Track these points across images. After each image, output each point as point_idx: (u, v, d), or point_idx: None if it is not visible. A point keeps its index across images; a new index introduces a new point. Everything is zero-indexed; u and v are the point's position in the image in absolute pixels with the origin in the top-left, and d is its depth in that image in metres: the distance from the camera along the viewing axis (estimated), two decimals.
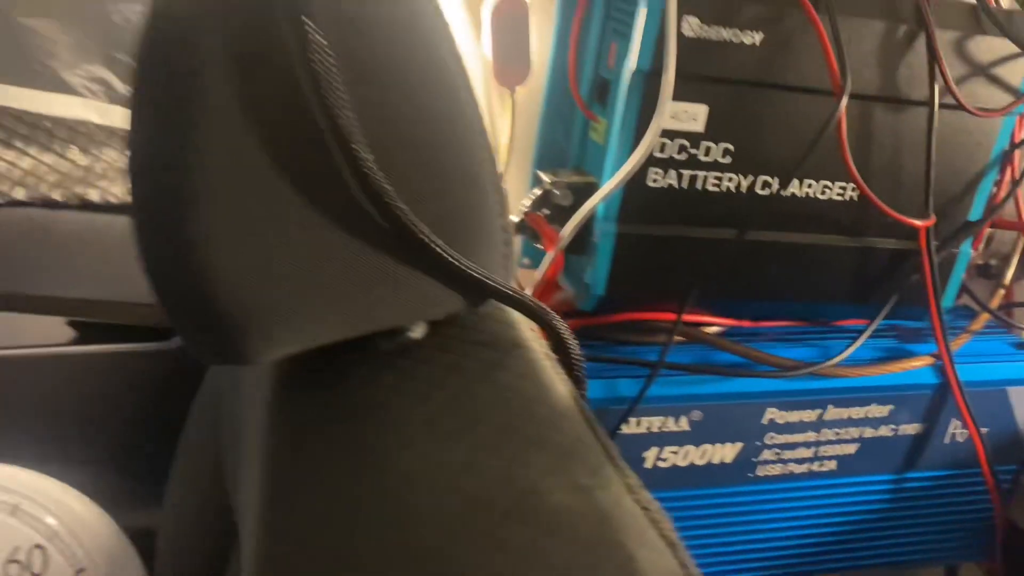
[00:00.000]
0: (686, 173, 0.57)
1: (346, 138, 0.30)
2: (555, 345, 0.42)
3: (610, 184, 0.55)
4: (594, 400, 0.58)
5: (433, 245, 0.34)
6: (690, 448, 0.62)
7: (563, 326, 0.41)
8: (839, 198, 0.60)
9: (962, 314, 0.73)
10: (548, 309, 0.41)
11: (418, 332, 0.41)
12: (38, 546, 0.75)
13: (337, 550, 0.30)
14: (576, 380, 0.43)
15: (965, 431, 0.67)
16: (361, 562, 0.29)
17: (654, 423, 0.60)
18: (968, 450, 0.67)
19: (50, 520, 0.76)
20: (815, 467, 0.66)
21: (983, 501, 0.70)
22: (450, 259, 0.35)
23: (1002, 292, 0.70)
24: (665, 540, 0.30)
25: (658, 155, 0.56)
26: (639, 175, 0.56)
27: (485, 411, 0.35)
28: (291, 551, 0.32)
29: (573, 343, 0.42)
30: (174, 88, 0.30)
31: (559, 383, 0.38)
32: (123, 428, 0.90)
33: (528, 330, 0.44)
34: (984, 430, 0.66)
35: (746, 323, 0.66)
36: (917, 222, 0.59)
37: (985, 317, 0.69)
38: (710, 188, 0.58)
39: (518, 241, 0.66)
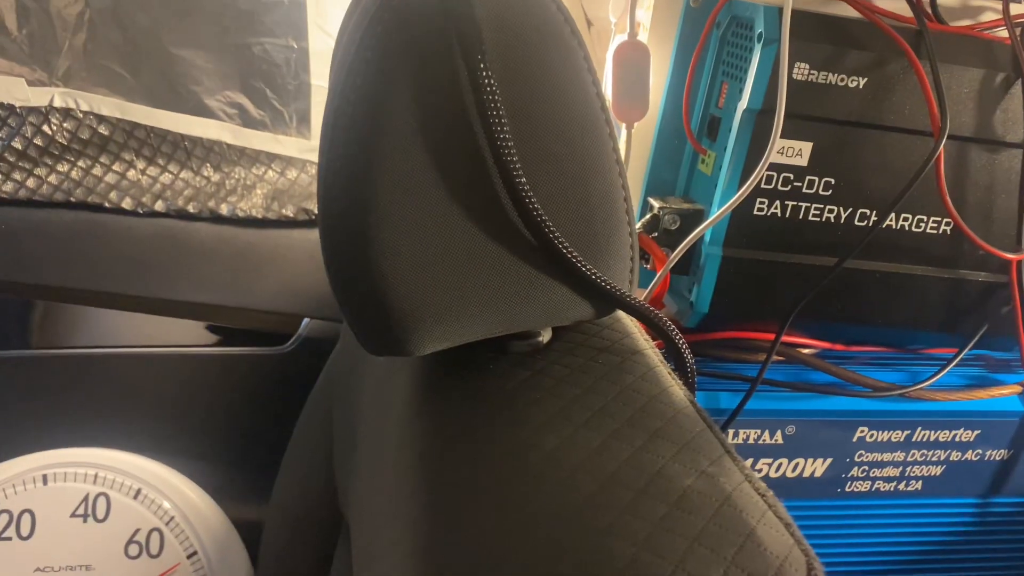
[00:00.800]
0: (789, 203, 0.62)
1: (506, 165, 0.35)
2: (671, 353, 0.46)
3: (721, 211, 0.60)
4: None
5: (572, 258, 0.39)
6: (783, 461, 0.66)
7: (680, 337, 0.46)
8: (933, 231, 0.64)
9: None
10: (668, 320, 0.46)
11: (545, 337, 0.46)
12: (155, 529, 0.80)
13: (492, 517, 0.34)
14: (689, 386, 0.47)
15: None
16: (514, 524, 0.33)
17: (751, 435, 0.64)
18: None
19: (167, 506, 0.81)
20: (901, 486, 0.69)
21: None
22: (586, 271, 0.39)
23: None
24: (782, 521, 0.33)
25: (764, 186, 0.61)
26: (746, 203, 0.61)
27: (612, 405, 0.39)
28: (451, 522, 0.35)
29: (688, 352, 0.47)
30: (366, 115, 0.35)
31: (676, 386, 0.42)
32: (238, 425, 0.95)
33: (643, 339, 0.48)
34: None
35: (839, 347, 0.69)
36: (1009, 255, 0.63)
37: None
38: (811, 218, 0.63)
39: None
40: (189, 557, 0.82)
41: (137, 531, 0.81)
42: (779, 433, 0.64)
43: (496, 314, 0.38)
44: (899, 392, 0.64)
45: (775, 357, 0.66)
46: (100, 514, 0.80)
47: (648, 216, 0.66)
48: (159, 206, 0.91)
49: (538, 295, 0.39)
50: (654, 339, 0.48)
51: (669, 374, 0.44)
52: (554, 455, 0.36)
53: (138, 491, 0.81)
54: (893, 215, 0.63)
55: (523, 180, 0.35)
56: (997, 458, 0.69)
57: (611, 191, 0.40)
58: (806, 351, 0.68)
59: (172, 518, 0.82)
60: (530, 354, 0.43)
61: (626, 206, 0.42)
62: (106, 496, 0.80)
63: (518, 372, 0.42)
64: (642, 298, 0.67)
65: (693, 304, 0.65)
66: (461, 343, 0.39)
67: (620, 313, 0.49)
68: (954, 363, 0.67)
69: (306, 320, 0.94)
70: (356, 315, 0.38)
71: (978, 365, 0.71)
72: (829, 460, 0.66)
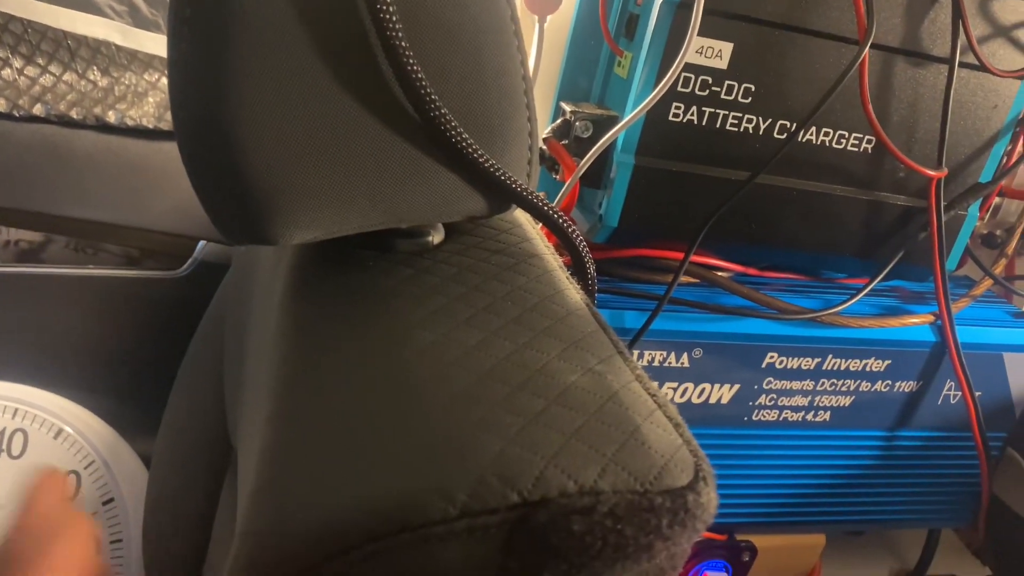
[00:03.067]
0: (707, 110, 0.58)
1: (386, 29, 0.31)
2: (569, 254, 0.43)
3: (636, 111, 0.55)
4: None
5: (460, 140, 0.35)
6: (689, 385, 0.63)
7: (578, 235, 0.42)
8: (854, 149, 0.61)
9: (963, 283, 0.74)
10: (566, 217, 0.42)
11: (436, 237, 0.42)
12: (73, 471, 0.78)
13: (349, 411, 0.31)
14: (588, 292, 0.44)
15: (959, 393, 0.68)
16: (372, 420, 0.30)
17: (656, 357, 0.61)
18: (960, 413, 0.69)
19: (88, 449, 0.79)
20: (809, 416, 0.67)
21: (971, 466, 0.71)
22: (476, 156, 0.35)
23: (1004, 262, 0.72)
24: (671, 420, 0.31)
25: (681, 90, 0.57)
26: (661, 108, 0.57)
27: (499, 304, 0.36)
28: (304, 416, 0.33)
29: (587, 253, 0.43)
30: None
31: (572, 289, 0.40)
32: (129, 354, 0.90)
33: (543, 246, 0.45)
34: (978, 394, 0.67)
35: (753, 271, 0.67)
36: (930, 171, 0.60)
37: (986, 285, 0.70)
38: (728, 127, 0.59)
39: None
40: (105, 504, 0.78)
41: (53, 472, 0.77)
42: (685, 356, 0.61)
43: (375, 202, 0.35)
44: (810, 316, 0.62)
45: (687, 279, 0.63)
46: (15, 451, 0.77)
47: (559, 121, 0.62)
48: (38, 110, 0.84)
49: (423, 182, 0.36)
50: (562, 255, 0.44)
51: (567, 278, 0.42)
52: (429, 351, 0.33)
53: (59, 431, 0.78)
54: (814, 129, 0.60)
55: (405, 45, 0.32)
56: (906, 390, 0.67)
57: (508, 67, 0.37)
58: (720, 274, 0.64)
59: (92, 462, 0.79)
60: (417, 253, 0.40)
61: (525, 86, 0.39)
62: (24, 432, 0.77)
63: (401, 270, 0.39)
64: None
65: (602, 217, 0.61)
66: (337, 234, 0.36)
67: (521, 218, 0.47)
68: (868, 289, 0.64)
69: (202, 243, 0.88)
70: (211, 192, 0.34)
71: (891, 296, 0.69)
72: (736, 387, 0.63)
